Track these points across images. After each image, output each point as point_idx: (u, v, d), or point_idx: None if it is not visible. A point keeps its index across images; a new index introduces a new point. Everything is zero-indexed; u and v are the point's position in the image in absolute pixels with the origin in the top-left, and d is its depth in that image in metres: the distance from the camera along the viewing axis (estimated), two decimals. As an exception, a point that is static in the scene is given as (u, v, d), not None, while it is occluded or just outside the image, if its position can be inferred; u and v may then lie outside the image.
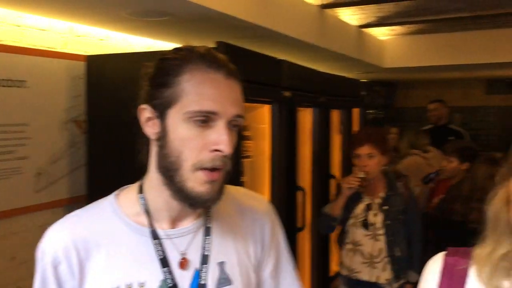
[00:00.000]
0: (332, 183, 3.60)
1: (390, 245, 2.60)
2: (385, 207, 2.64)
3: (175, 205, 0.98)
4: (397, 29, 4.89)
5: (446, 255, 1.05)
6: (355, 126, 4.31)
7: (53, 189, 2.54)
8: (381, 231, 2.61)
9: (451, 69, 5.88)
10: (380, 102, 8.33)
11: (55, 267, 0.95)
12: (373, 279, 2.61)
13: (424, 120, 5.82)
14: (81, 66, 2.61)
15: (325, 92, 3.44)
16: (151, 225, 0.99)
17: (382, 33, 5.13)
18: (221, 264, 1.02)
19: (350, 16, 4.12)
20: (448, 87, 8.45)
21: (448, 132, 4.99)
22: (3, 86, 2.27)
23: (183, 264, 0.98)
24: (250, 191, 1.22)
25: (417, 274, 2.62)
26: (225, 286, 1.01)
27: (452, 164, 3.24)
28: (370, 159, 2.62)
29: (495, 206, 0.97)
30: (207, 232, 1.03)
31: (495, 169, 2.72)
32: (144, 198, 1.01)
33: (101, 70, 2.55)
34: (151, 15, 2.41)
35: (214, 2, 2.29)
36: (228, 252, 1.04)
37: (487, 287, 0.96)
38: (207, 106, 0.90)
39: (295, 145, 2.99)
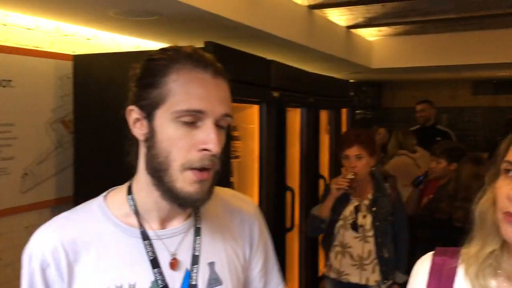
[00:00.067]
0: (321, 183, 3.61)
1: (379, 246, 2.61)
2: (374, 209, 2.64)
3: (164, 205, 0.97)
4: (384, 30, 4.92)
5: (434, 255, 1.06)
6: (344, 127, 4.32)
7: (39, 190, 2.51)
8: (370, 233, 2.61)
9: (438, 70, 5.93)
10: (368, 103, 8.38)
11: (43, 270, 0.94)
12: (362, 281, 2.61)
13: (411, 120, 5.86)
14: (68, 65, 2.59)
15: (314, 93, 3.45)
16: (141, 226, 0.98)
17: (370, 34, 5.16)
18: (211, 264, 1.02)
19: (338, 16, 4.14)
20: (435, 87, 8.53)
21: (436, 133, 5.02)
22: (-11, 85, 2.24)
23: (174, 264, 0.98)
24: (238, 192, 1.23)
25: (403, 275, 2.64)
26: (215, 286, 1.01)
27: (441, 165, 3.28)
28: (358, 160, 2.62)
29: (482, 206, 0.98)
30: (197, 232, 1.03)
31: (479, 168, 2.76)
32: (133, 199, 1.00)
33: (88, 69, 2.53)
34: (139, 14, 2.40)
35: (203, 2, 2.28)
36: (217, 252, 1.04)
37: (474, 286, 0.97)
38: (195, 105, 0.90)
39: (284, 145, 2.99)
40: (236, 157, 2.82)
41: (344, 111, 4.37)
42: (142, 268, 0.96)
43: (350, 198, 2.68)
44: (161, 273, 0.96)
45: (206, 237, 1.03)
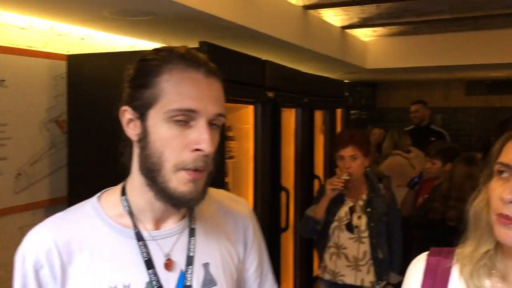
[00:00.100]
0: (316, 184, 3.61)
1: (374, 247, 2.60)
2: (369, 209, 2.63)
3: (158, 206, 0.97)
4: (379, 30, 4.93)
5: (429, 255, 1.06)
6: (338, 127, 4.33)
7: (33, 190, 2.49)
8: (365, 234, 2.60)
9: (432, 70, 5.95)
10: (363, 103, 8.40)
11: (37, 271, 0.93)
12: (357, 283, 2.60)
13: (405, 120, 5.88)
14: (62, 65, 2.58)
15: (309, 93, 3.45)
16: (135, 227, 0.98)
17: (364, 34, 5.17)
18: (206, 265, 1.02)
19: (333, 17, 4.14)
20: (430, 88, 8.57)
21: (430, 133, 5.05)
22: (-18, 85, 2.23)
23: (168, 265, 0.98)
24: (232, 194, 1.24)
25: (397, 275, 2.64)
26: (210, 287, 1.01)
27: (436, 165, 3.31)
28: (353, 161, 2.61)
29: (476, 207, 0.99)
30: (192, 233, 1.03)
31: (472, 168, 2.77)
32: (127, 200, 1.00)
33: (82, 69, 2.52)
34: (133, 14, 2.39)
35: (198, 1, 2.28)
36: (212, 253, 1.04)
37: (469, 286, 0.97)
38: (187, 104, 0.90)
39: (279, 145, 2.99)
40: (231, 157, 2.82)
41: (338, 111, 4.37)
42: (137, 269, 0.96)
43: (344, 199, 2.67)
44: (155, 274, 0.96)
45: (200, 238, 1.03)
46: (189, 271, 0.99)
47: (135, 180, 0.98)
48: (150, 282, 0.95)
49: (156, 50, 0.98)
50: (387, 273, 2.66)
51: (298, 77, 3.43)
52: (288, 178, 3.33)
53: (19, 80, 2.40)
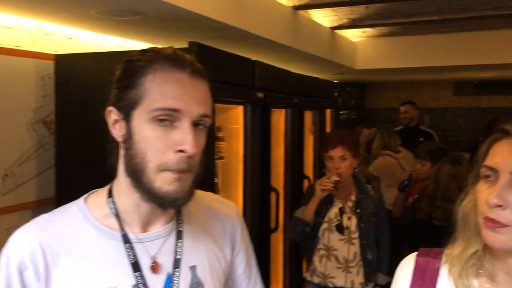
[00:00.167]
0: (305, 184, 3.62)
1: (364, 248, 2.59)
2: (358, 210, 2.62)
3: (145, 208, 0.96)
4: (368, 31, 4.95)
5: (418, 255, 1.07)
6: (328, 127, 4.34)
7: (20, 192, 2.47)
8: (355, 235, 2.59)
9: (421, 71, 6.00)
10: (352, 103, 8.44)
11: (21, 273, 0.92)
12: (348, 285, 2.58)
13: (394, 121, 5.91)
14: (49, 65, 2.55)
15: (298, 93, 3.46)
16: (122, 229, 0.97)
17: (354, 35, 5.19)
18: (193, 268, 1.01)
19: (323, 17, 4.15)
20: (418, 88, 8.63)
21: (419, 133, 5.09)
22: (-32, 85, 2.20)
23: (155, 268, 0.97)
24: (220, 196, 1.24)
25: (385, 276, 2.64)
26: None
27: (425, 166, 3.34)
28: (342, 161, 2.60)
29: (464, 208, 1.00)
30: (179, 236, 1.02)
31: (458, 169, 2.80)
32: (113, 202, 0.99)
33: (70, 69, 2.50)
34: (121, 14, 2.37)
35: (187, 2, 2.27)
36: (199, 256, 1.03)
37: (457, 285, 0.98)
38: (170, 103, 0.89)
39: (268, 146, 2.99)
40: (221, 158, 2.81)
41: (328, 112, 4.38)
42: (123, 272, 0.95)
43: (333, 200, 2.65)
44: (142, 277, 0.95)
45: (188, 241, 1.03)
46: (176, 274, 0.98)
47: (121, 181, 0.97)
48: (136, 285, 0.94)
49: (142, 51, 0.97)
50: (375, 274, 2.65)
51: (288, 78, 3.44)
52: (278, 178, 3.33)
53: (6, 80, 2.37)
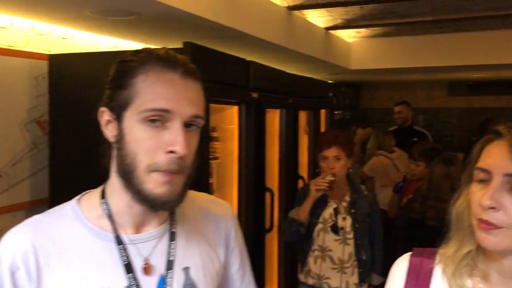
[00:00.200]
0: (300, 184, 3.62)
1: (358, 248, 2.59)
2: (353, 210, 2.62)
3: (137, 209, 0.96)
4: (363, 31, 4.96)
5: (412, 255, 1.07)
6: (323, 127, 4.35)
7: (14, 192, 2.45)
8: (350, 235, 2.58)
9: (415, 71, 6.01)
10: (347, 103, 8.45)
11: (13, 274, 0.92)
12: (343, 285, 2.57)
13: (389, 121, 5.93)
14: (43, 65, 2.54)
15: (293, 94, 3.46)
16: (114, 230, 0.97)
17: (348, 36, 5.20)
18: (186, 269, 1.01)
19: (317, 18, 4.16)
20: (412, 89, 8.66)
21: (413, 133, 5.11)
22: (-40, 85, 2.19)
23: (147, 269, 0.97)
24: (214, 197, 1.24)
25: (379, 277, 2.63)
26: None
27: (420, 167, 3.36)
28: (337, 161, 2.60)
29: (458, 208, 1.00)
30: (172, 237, 1.02)
31: (450, 169, 2.81)
32: (106, 203, 0.99)
33: (64, 69, 2.49)
34: (116, 14, 2.37)
35: (181, 2, 2.26)
36: (193, 257, 1.03)
37: (451, 285, 0.98)
38: (161, 104, 0.89)
39: (263, 146, 2.99)
40: (215, 158, 2.81)
41: (323, 112, 4.39)
42: (116, 273, 0.94)
43: (328, 200, 2.64)
44: (135, 278, 0.95)
45: (181, 242, 1.02)
46: (169, 276, 0.98)
47: (114, 182, 0.97)
48: (129, 286, 0.94)
49: (135, 51, 0.97)
50: (369, 275, 2.65)
51: (282, 78, 3.44)
52: (273, 178, 3.33)
53: (-1, 80, 2.36)
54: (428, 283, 1.01)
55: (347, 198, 2.66)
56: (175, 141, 0.89)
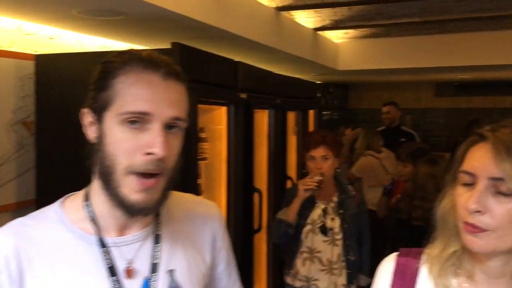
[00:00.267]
0: (289, 184, 3.63)
1: (347, 249, 2.57)
2: (341, 211, 2.60)
3: (119, 212, 0.94)
4: (351, 32, 4.99)
5: (398, 255, 1.08)
6: (311, 128, 4.36)
7: (0, 194, 2.43)
8: (339, 236, 2.56)
9: (402, 72, 6.06)
10: (335, 104, 8.49)
11: None
12: (331, 287, 2.56)
13: (377, 121, 5.97)
14: (29, 65, 2.52)
15: (281, 94, 3.47)
16: (98, 233, 0.96)
17: (336, 36, 5.23)
18: (171, 272, 1.00)
19: (306, 19, 4.17)
20: (400, 89, 8.72)
21: (400, 134, 5.14)
22: None
23: (129, 272, 0.96)
24: (200, 197, 1.23)
25: (366, 278, 2.62)
26: None
27: (407, 168, 3.38)
28: (325, 161, 2.59)
29: (443, 209, 1.01)
30: (157, 239, 1.01)
31: (435, 169, 2.84)
32: (89, 206, 0.98)
33: (50, 70, 2.47)
34: (103, 14, 2.35)
35: (169, 2, 2.26)
36: (178, 259, 1.02)
37: (437, 285, 0.99)
38: (140, 106, 0.88)
39: (252, 146, 3.00)
40: (204, 158, 2.80)
41: (311, 113, 4.40)
42: (99, 276, 0.93)
43: (315, 201, 2.62)
44: (118, 282, 0.94)
45: (166, 244, 1.02)
46: (154, 278, 0.97)
47: (96, 185, 0.96)
48: None
49: (119, 52, 0.96)
50: (356, 276, 2.63)
51: (271, 79, 3.44)
52: (261, 179, 3.33)
53: (-16, 80, 2.33)
54: (414, 283, 1.02)
55: (335, 198, 2.65)
56: (154, 142, 0.88)
